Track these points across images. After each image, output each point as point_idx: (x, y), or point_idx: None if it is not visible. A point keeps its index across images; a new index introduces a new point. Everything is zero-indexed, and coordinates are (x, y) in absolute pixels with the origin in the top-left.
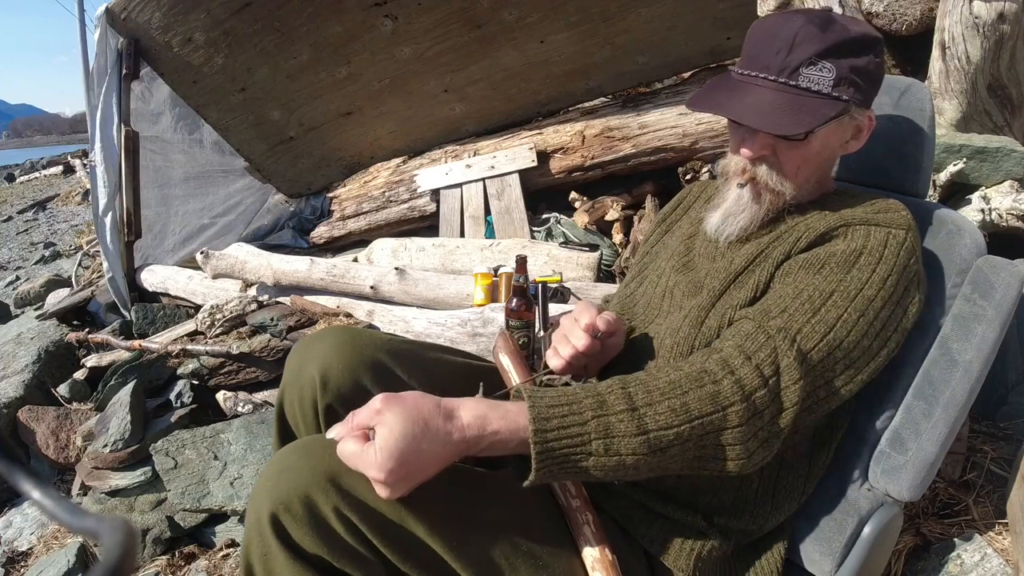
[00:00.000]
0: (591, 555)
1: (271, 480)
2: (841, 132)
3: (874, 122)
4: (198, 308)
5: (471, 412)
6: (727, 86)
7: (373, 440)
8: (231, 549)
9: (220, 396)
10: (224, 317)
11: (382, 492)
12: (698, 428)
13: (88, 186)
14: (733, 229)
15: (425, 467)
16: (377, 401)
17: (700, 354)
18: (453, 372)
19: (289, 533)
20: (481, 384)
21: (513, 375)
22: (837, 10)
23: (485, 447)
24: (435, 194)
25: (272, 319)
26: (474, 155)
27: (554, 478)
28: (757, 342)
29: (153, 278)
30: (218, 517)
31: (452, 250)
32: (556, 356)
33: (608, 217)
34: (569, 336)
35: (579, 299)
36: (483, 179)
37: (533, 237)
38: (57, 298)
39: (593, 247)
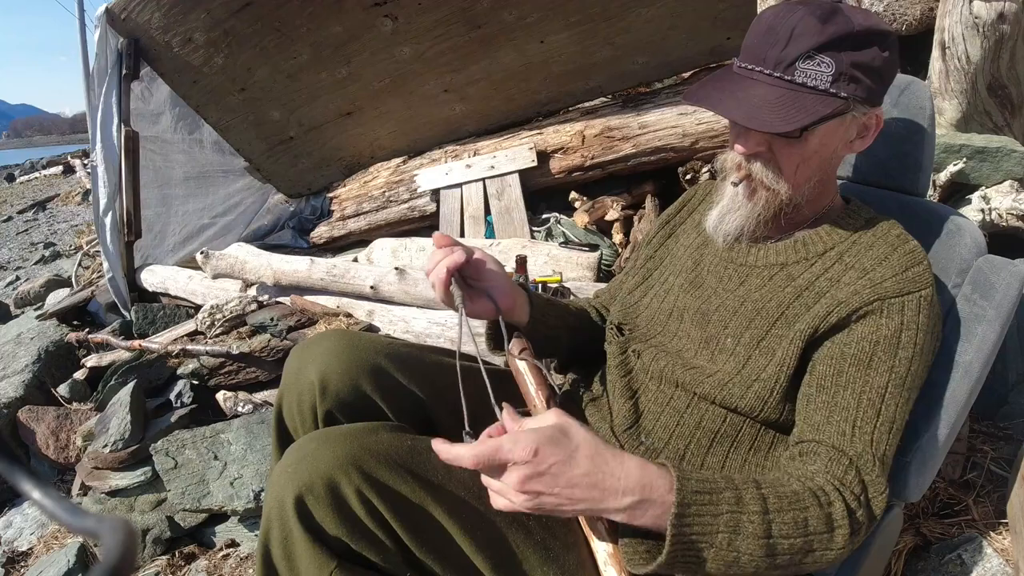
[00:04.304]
0: (604, 550)
1: (292, 467)
2: (843, 131)
3: (883, 122)
4: (198, 308)
5: (635, 474)
6: (724, 79)
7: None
8: (231, 549)
9: (220, 396)
10: (224, 317)
11: (514, 487)
12: (808, 543)
13: (88, 186)
14: (730, 228)
15: (560, 484)
16: (583, 441)
17: (808, 476)
18: (455, 376)
19: (312, 515)
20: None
21: (531, 383)
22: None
23: (623, 509)
24: (435, 194)
25: (272, 319)
26: (474, 155)
27: (674, 559)
28: (840, 465)
29: (153, 278)
30: (218, 517)
31: None
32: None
33: (608, 217)
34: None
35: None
36: (483, 179)
37: (533, 237)
38: (57, 298)
39: (593, 247)
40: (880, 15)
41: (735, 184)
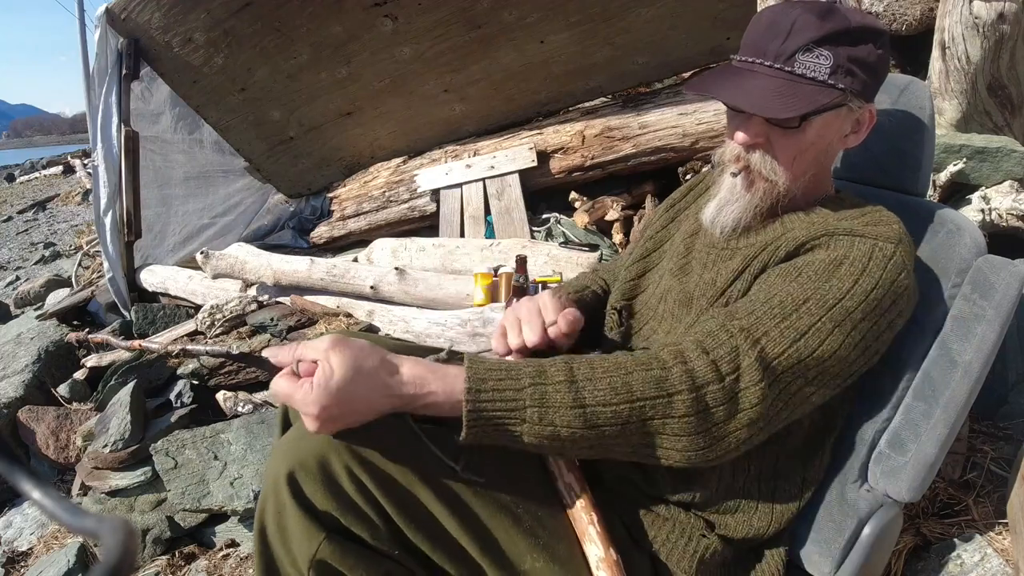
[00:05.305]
0: (596, 555)
1: (288, 445)
2: (839, 124)
3: (875, 117)
4: (198, 308)
5: (412, 370)
6: (725, 73)
7: (311, 377)
8: (231, 549)
9: (220, 396)
10: (224, 317)
11: (311, 425)
12: (638, 411)
13: (88, 186)
14: (727, 220)
15: (357, 411)
16: (325, 340)
17: (658, 344)
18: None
19: (303, 490)
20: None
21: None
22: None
23: (421, 407)
24: (435, 194)
25: (272, 319)
26: (474, 155)
27: (488, 439)
28: (718, 339)
29: (153, 278)
30: (218, 517)
31: (452, 250)
32: (500, 341)
33: (608, 217)
34: (525, 326)
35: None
36: (483, 179)
37: (533, 237)
38: (57, 298)
39: (593, 247)
40: (880, 15)
41: (734, 175)
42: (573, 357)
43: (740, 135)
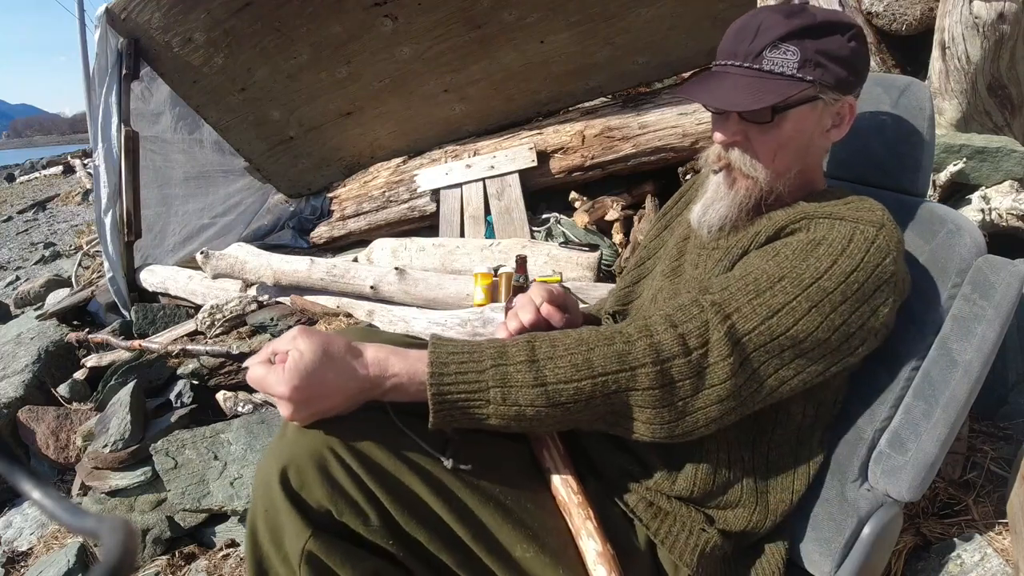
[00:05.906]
0: (594, 549)
1: (279, 444)
2: (816, 117)
3: (856, 109)
4: (198, 308)
5: (375, 353)
6: (703, 78)
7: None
8: (231, 549)
9: (220, 396)
10: (224, 317)
11: (285, 410)
12: (601, 386)
13: (88, 186)
14: (713, 219)
15: (328, 395)
16: (293, 330)
17: (627, 319)
18: None
19: (296, 487)
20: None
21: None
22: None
23: (388, 388)
24: (435, 194)
25: (272, 319)
26: (474, 155)
27: (455, 423)
28: (688, 313)
29: (153, 278)
30: (218, 517)
31: (452, 250)
32: (502, 330)
33: (608, 217)
34: (520, 310)
35: (580, 299)
36: (483, 179)
37: (533, 237)
38: (57, 298)
39: (593, 247)
40: (880, 15)
41: (715, 172)
42: (536, 335)
43: (718, 134)
